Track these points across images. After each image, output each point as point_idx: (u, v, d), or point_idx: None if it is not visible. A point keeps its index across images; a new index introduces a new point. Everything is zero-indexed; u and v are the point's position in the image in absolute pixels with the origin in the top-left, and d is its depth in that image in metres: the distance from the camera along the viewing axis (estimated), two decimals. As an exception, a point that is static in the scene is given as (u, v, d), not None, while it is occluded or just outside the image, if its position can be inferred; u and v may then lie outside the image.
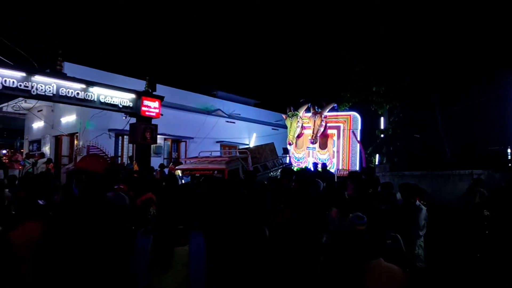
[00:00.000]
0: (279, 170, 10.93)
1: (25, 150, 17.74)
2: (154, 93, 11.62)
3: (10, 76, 8.41)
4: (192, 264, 2.15)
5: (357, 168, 14.36)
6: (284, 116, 16.32)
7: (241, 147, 18.46)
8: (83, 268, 2.02)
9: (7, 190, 5.99)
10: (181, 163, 11.29)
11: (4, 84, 8.31)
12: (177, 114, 15.81)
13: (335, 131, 15.67)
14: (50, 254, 2.10)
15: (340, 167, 14.87)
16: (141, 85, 11.75)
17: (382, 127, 14.61)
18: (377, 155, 14.91)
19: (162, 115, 11.86)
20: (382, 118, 14.67)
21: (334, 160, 15.35)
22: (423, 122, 12.81)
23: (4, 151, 21.57)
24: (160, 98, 11.76)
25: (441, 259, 5.20)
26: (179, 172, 9.33)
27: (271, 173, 10.45)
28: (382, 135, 14.03)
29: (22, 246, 2.40)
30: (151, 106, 11.41)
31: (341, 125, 15.50)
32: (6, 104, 15.43)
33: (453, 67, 11.25)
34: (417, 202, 5.04)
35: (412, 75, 11.70)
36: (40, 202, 3.17)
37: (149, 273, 2.12)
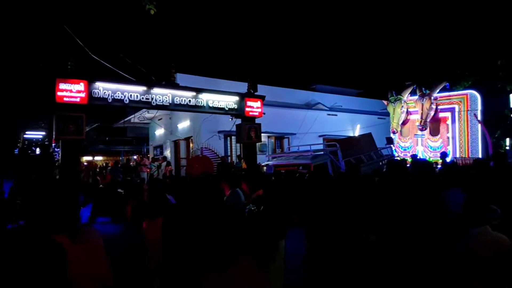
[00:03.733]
0: (380, 163, 10.04)
1: (150, 155, 20.19)
2: (255, 93, 12.06)
3: (134, 91, 9.68)
4: (289, 258, 2.17)
5: (479, 155, 12.52)
6: (385, 102, 15.07)
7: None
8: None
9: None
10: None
11: (130, 99, 9.59)
12: (278, 112, 16.11)
13: (448, 114, 13.71)
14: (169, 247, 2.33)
15: (458, 155, 13.06)
16: (243, 87, 12.31)
17: (512, 105, 12.49)
18: (507, 139, 12.80)
19: (264, 114, 12.23)
20: (511, 95, 12.54)
21: (449, 148, 13.51)
22: None
23: (135, 157, 24.93)
24: (262, 98, 12.14)
25: None
26: (264, 169, 9.22)
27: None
28: (512, 115, 12.02)
29: (153, 239, 2.73)
30: (253, 106, 11.86)
31: (456, 106, 13.50)
32: (133, 116, 17.81)
33: None
34: None
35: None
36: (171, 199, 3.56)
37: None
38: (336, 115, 19.20)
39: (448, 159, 11.93)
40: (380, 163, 10.45)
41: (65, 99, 8.46)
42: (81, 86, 8.68)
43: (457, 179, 4.18)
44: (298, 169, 8.00)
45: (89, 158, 27.38)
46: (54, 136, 9.27)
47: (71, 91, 8.54)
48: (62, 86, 8.43)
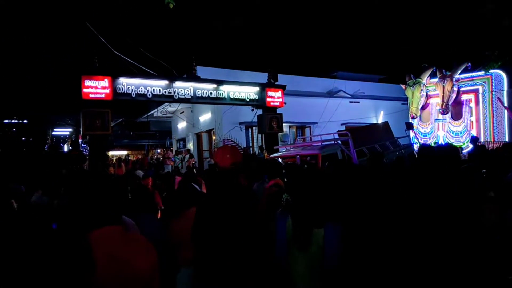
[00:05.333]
0: (397, 153, 9.70)
1: (174, 148, 20.52)
2: (276, 83, 12.00)
3: (157, 85, 9.82)
4: (327, 246, 2.17)
5: (506, 139, 11.99)
6: (403, 86, 14.51)
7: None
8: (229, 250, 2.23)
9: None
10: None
11: (153, 93, 9.75)
12: (299, 101, 15.98)
13: (471, 96, 13.01)
14: (201, 238, 2.37)
15: (482, 140, 12.48)
16: (263, 77, 12.27)
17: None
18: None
19: (285, 103, 12.17)
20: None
21: (473, 132, 12.87)
22: None
23: (158, 150, 25.39)
24: (282, 87, 12.08)
25: None
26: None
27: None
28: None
29: (183, 231, 2.78)
30: (274, 96, 11.82)
31: (480, 88, 12.83)
32: (156, 110, 18.11)
33: None
34: None
35: None
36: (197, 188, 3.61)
37: (287, 252, 2.24)
38: (358, 102, 18.87)
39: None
40: (397, 153, 10.14)
41: (90, 95, 8.68)
42: (105, 82, 8.88)
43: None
44: (306, 160, 7.85)
45: (117, 152, 28.07)
46: (81, 132, 9.57)
47: (96, 87, 8.76)
48: (87, 83, 8.66)
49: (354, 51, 26.91)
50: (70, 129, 38.68)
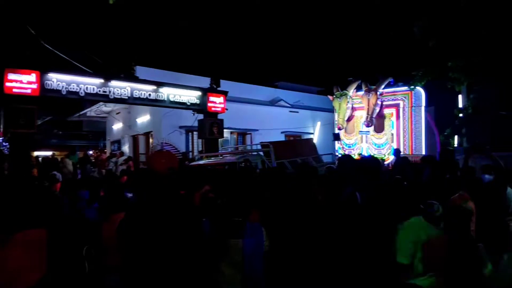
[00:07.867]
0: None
1: (108, 150, 19.43)
2: (218, 88, 11.97)
3: (91, 83, 9.26)
4: (246, 257, 2.19)
5: (423, 152, 13.11)
6: (330, 97, 15.28)
7: (305, 136, 18.25)
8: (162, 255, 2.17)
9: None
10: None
11: (86, 91, 9.17)
12: (241, 108, 16.06)
13: (393, 110, 13.89)
14: (130, 244, 2.27)
15: (402, 153, 13.53)
16: (206, 82, 12.16)
17: (460, 105, 13.17)
18: (456, 137, 13.50)
19: (227, 109, 12.18)
20: (460, 96, 13.21)
21: (393, 145, 13.71)
22: (510, 97, 11.42)
23: (91, 152, 23.88)
24: (224, 93, 12.08)
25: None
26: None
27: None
28: (460, 115, 12.68)
29: (110, 236, 2.63)
30: (216, 102, 11.78)
31: (400, 102, 13.72)
32: (89, 109, 17.03)
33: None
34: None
35: (495, 46, 10.45)
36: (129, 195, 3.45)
37: (213, 259, 2.23)
38: (297, 112, 19.48)
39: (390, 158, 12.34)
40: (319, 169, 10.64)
41: (14, 90, 7.94)
42: (32, 77, 8.19)
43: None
44: (224, 168, 7.88)
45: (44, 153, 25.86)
46: (1, 129, 8.71)
47: (22, 81, 8.04)
48: (11, 76, 7.91)
49: (295, 62, 27.87)
50: (-11, 126, 34.98)
